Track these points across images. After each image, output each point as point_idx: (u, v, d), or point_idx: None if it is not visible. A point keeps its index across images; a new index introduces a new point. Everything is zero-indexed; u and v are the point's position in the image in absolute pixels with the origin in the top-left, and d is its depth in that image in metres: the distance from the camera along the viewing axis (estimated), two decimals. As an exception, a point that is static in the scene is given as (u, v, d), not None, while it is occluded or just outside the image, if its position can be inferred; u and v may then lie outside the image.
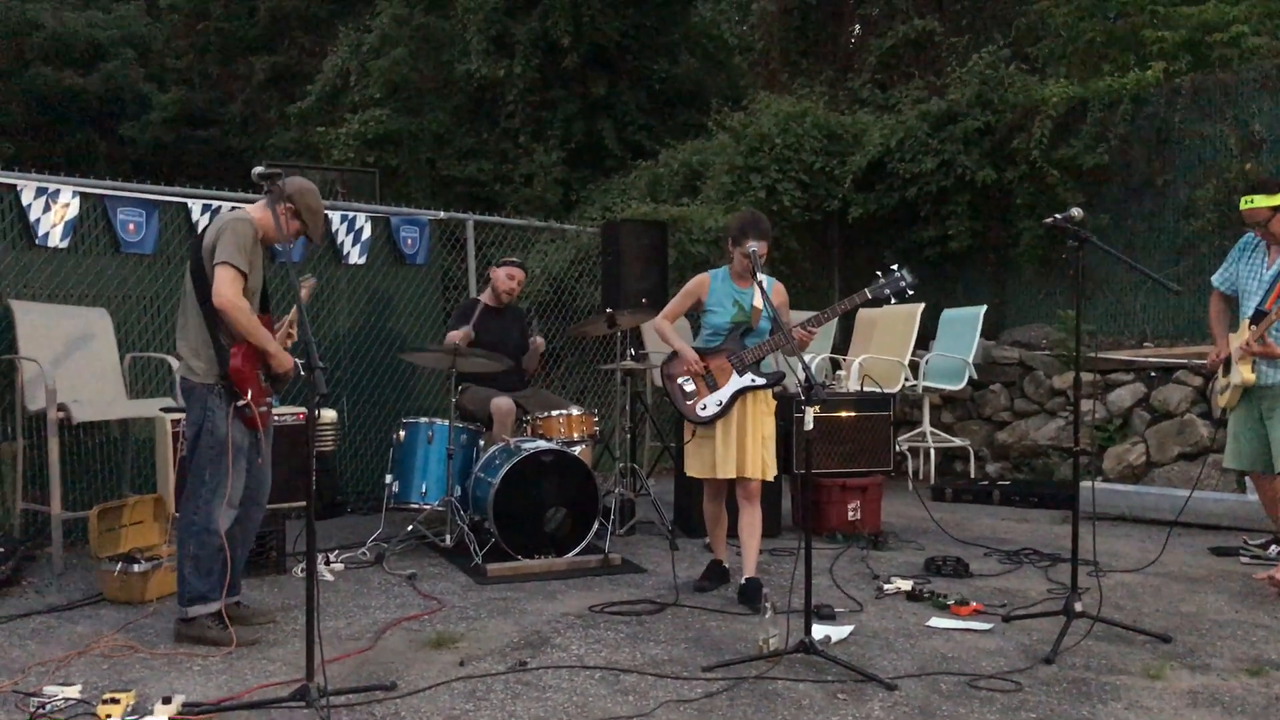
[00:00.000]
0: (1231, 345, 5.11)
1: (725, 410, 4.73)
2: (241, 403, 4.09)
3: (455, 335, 6.20)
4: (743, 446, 4.74)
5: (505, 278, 6.57)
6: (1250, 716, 3.38)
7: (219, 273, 4.01)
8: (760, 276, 4.54)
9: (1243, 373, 4.96)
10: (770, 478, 4.83)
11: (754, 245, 4.58)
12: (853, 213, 9.42)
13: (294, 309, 4.27)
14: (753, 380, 4.74)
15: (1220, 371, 5.21)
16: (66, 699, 3.45)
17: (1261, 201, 4.94)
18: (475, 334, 6.27)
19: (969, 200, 8.98)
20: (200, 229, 4.08)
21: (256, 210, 4.22)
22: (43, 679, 3.67)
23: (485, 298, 6.60)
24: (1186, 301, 7.69)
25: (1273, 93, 7.72)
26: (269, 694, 3.49)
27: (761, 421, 4.79)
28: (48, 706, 3.38)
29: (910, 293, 4.64)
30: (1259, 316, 4.93)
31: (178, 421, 4.81)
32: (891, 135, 9.24)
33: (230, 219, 4.14)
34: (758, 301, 4.79)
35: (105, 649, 4.03)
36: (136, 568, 4.68)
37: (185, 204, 6.42)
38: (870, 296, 4.65)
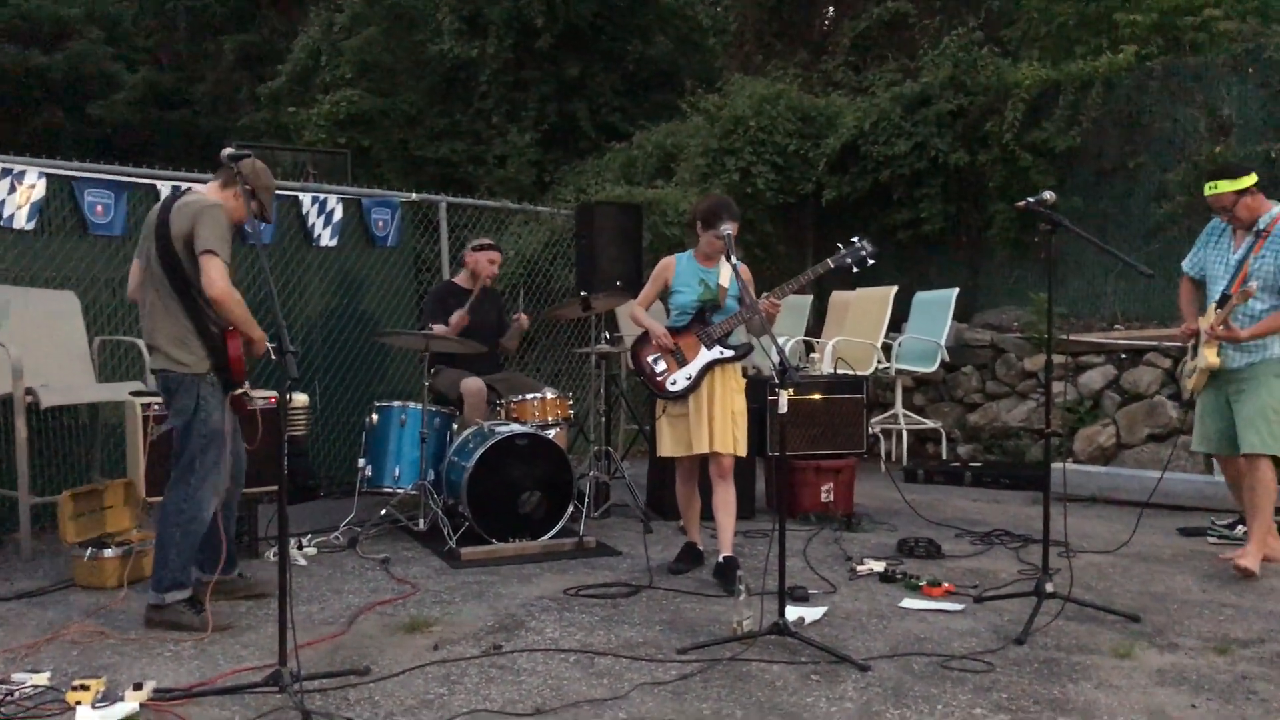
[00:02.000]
0: (1200, 329, 5.15)
1: (696, 384, 4.77)
2: (240, 391, 4.07)
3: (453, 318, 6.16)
4: (714, 420, 4.78)
5: (488, 263, 6.46)
6: (1217, 694, 3.43)
7: (209, 263, 3.91)
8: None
9: (1208, 357, 5.00)
10: (742, 453, 4.87)
11: (728, 228, 4.60)
12: (827, 195, 9.43)
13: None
14: (721, 353, 4.79)
15: (1189, 354, 5.25)
16: (35, 686, 3.42)
17: (1225, 186, 4.97)
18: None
19: (942, 183, 9.00)
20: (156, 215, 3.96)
21: (219, 194, 4.15)
22: (11, 666, 3.64)
23: (460, 280, 6.56)
24: (1157, 284, 7.73)
25: (1242, 76, 7.78)
26: (241, 679, 3.48)
27: (732, 397, 4.84)
28: (16, 693, 3.35)
29: (871, 261, 4.75)
30: (1224, 301, 4.97)
31: (148, 405, 4.77)
32: (865, 118, 9.24)
33: (202, 205, 4.03)
34: (724, 280, 4.84)
35: (75, 635, 4.00)
36: (107, 553, 4.64)
37: (154, 185, 6.33)
38: (833, 266, 4.76)
